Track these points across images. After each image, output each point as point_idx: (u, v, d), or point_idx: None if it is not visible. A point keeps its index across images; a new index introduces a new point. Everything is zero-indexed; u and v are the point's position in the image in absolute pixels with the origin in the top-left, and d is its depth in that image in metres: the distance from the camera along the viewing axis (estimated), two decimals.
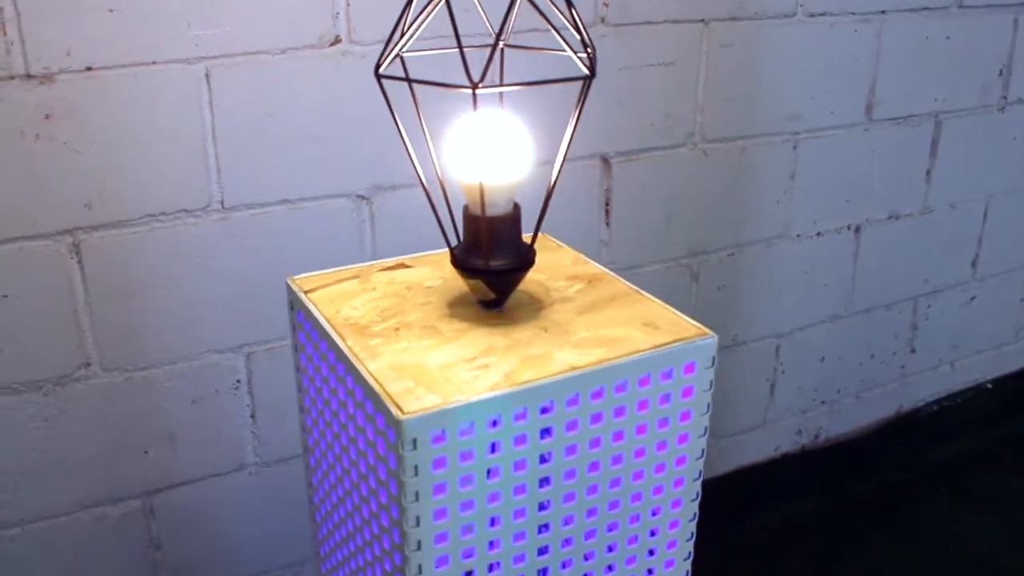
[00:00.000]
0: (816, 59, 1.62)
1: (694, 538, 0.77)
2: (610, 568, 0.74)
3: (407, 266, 0.82)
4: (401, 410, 0.60)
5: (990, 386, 2.18)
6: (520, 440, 0.64)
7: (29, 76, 1.13)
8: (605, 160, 1.50)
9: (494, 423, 0.63)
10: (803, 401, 1.90)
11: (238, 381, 1.35)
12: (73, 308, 1.23)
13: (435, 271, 0.80)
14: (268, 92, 1.25)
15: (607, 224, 1.53)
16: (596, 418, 0.66)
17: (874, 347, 1.94)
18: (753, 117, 1.60)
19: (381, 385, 0.63)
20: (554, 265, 0.82)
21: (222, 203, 1.27)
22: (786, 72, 1.60)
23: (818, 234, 1.75)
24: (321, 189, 1.32)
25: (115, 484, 1.33)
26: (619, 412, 0.67)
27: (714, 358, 0.70)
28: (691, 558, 0.77)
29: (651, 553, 0.75)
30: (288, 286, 0.81)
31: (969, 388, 2.16)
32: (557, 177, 0.74)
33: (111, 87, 1.17)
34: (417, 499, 0.62)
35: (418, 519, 0.63)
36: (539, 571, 0.70)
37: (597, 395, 0.66)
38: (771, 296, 1.75)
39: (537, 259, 0.82)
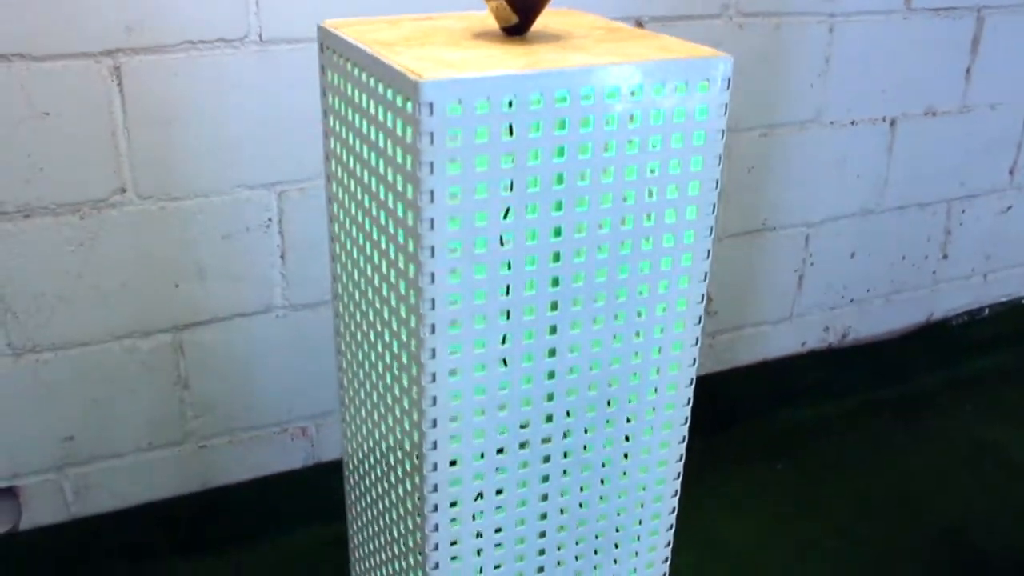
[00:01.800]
0: None
1: (707, 279, 0.77)
2: (622, 291, 0.75)
3: (434, 19, 0.83)
4: (419, 76, 0.62)
5: None
6: (535, 128, 0.65)
7: None
8: (639, 24, 1.50)
9: (509, 104, 0.64)
10: (831, 297, 1.89)
11: (269, 219, 1.38)
12: (111, 131, 1.26)
13: (461, 22, 0.82)
14: None
15: None
16: (609, 119, 0.68)
17: (906, 248, 1.93)
18: None
19: (402, 66, 0.64)
20: (580, 23, 0.83)
21: (260, 35, 1.29)
22: None
23: (852, 123, 1.75)
24: None
25: (145, 316, 1.36)
26: (633, 117, 0.68)
27: (729, 80, 0.71)
28: (704, 302, 0.78)
29: (666, 284, 0.76)
30: (319, 28, 0.83)
31: (1001, 302, 2.14)
32: None
33: None
34: (432, 171, 0.63)
35: (432, 194, 0.64)
36: (552, 279, 0.71)
37: (613, 95, 0.67)
38: (802, 182, 1.75)
39: (563, 21, 0.84)
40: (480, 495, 0.78)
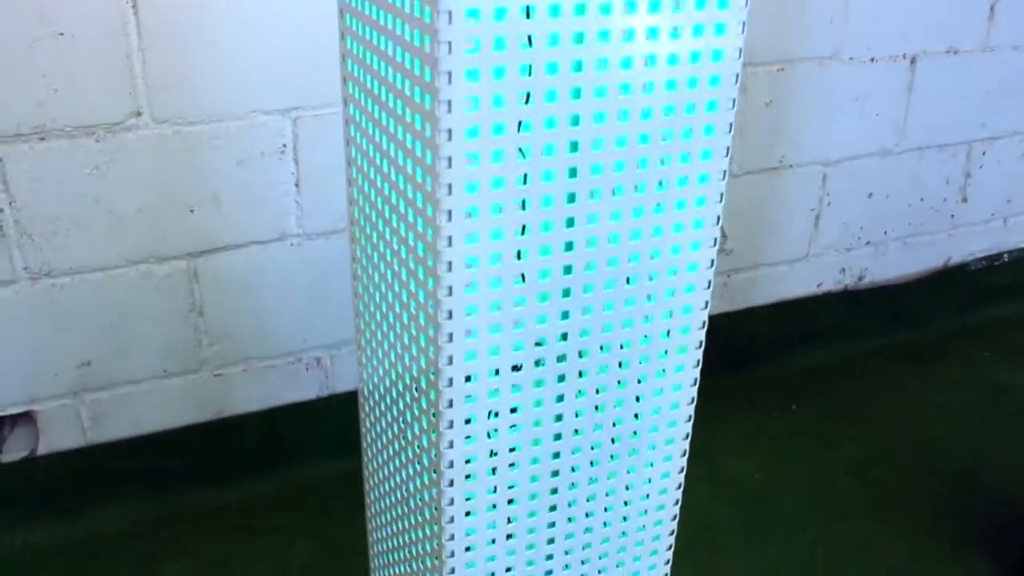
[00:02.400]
0: None
1: (727, 177, 0.77)
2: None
3: None
4: None
5: None
6: (553, 40, 0.65)
7: None
8: None
9: (527, 14, 0.63)
10: (848, 238, 1.88)
11: (284, 146, 1.37)
12: (127, 54, 1.25)
13: None
14: None
15: None
16: (628, 32, 0.67)
17: (924, 190, 1.92)
18: None
19: None
20: None
21: None
22: None
23: (872, 60, 1.73)
24: None
25: (161, 241, 1.36)
26: (652, 31, 0.68)
27: None
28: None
29: (683, 184, 0.75)
30: None
31: (1021, 248, 2.12)
32: None
33: None
34: (450, 81, 0.63)
35: (450, 104, 0.63)
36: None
37: (631, 5, 0.66)
38: (820, 119, 1.73)
39: None
40: (495, 412, 0.78)
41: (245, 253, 1.41)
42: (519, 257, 0.71)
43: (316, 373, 1.55)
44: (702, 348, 0.84)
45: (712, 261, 0.79)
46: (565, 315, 0.76)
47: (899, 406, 1.77)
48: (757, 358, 1.85)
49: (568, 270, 0.73)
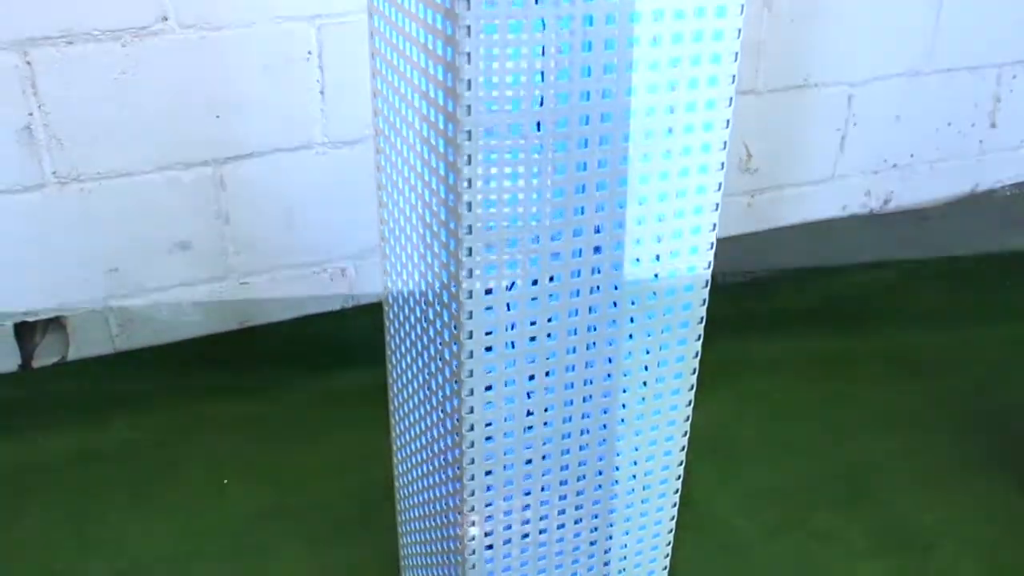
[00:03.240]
0: None
1: (733, 103, 0.77)
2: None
3: None
4: None
5: None
6: None
7: None
8: None
9: None
10: (874, 160, 1.87)
11: (309, 52, 1.38)
12: None
13: None
14: None
15: None
16: None
17: (952, 114, 1.90)
18: None
19: None
20: None
21: None
22: None
23: None
24: None
25: (187, 147, 1.38)
26: None
27: None
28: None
29: (691, 109, 0.76)
30: None
31: None
32: None
33: None
34: None
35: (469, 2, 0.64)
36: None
37: None
38: (846, 37, 1.71)
39: None
40: (513, 284, 0.79)
41: (270, 160, 1.43)
42: (535, 174, 0.73)
43: (341, 283, 1.56)
44: (708, 287, 0.84)
45: (717, 205, 0.79)
46: (578, 231, 0.77)
47: (922, 329, 1.77)
48: (780, 278, 1.85)
49: (582, 189, 0.75)
